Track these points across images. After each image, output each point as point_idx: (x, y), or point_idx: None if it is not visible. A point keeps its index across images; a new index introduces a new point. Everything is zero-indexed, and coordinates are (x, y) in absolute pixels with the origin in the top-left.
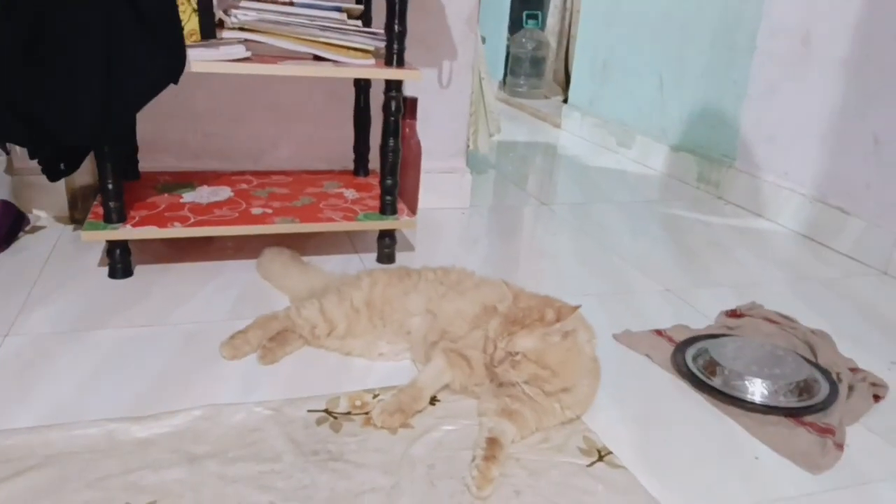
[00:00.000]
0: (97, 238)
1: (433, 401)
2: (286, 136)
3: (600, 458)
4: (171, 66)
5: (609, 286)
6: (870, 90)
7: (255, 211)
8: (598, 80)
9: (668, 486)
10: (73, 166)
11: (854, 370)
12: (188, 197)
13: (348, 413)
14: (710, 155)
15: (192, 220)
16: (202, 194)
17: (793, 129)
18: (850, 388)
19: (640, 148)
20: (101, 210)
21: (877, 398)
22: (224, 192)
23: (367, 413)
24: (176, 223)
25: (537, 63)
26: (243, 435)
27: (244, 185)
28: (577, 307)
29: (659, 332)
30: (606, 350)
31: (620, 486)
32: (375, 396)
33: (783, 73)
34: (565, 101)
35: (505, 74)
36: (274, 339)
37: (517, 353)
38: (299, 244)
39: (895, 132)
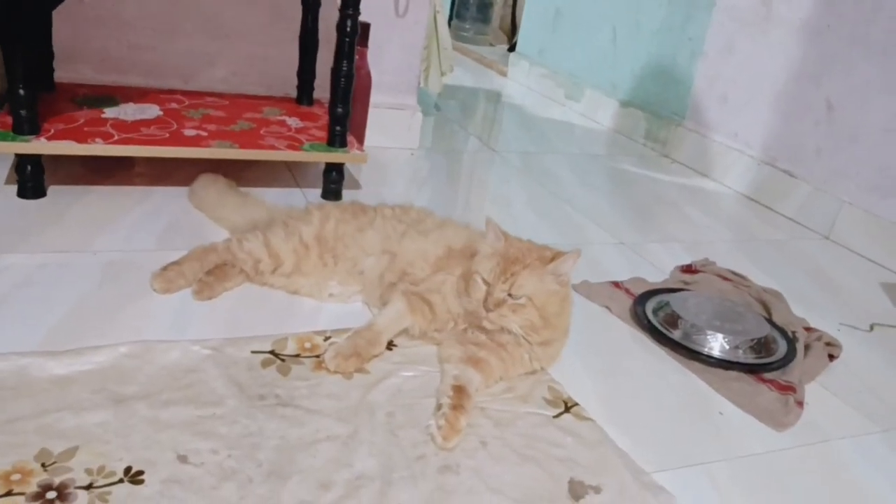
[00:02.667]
0: (5, 150)
1: (390, 345)
2: (223, 55)
3: (567, 410)
4: None
5: (564, 237)
6: (827, 55)
7: (188, 132)
8: (548, 29)
9: (635, 440)
10: None
11: (808, 329)
12: (111, 112)
13: (297, 355)
14: (660, 112)
15: (116, 137)
16: (127, 111)
17: (746, 90)
18: (807, 346)
19: (588, 101)
20: (9, 119)
21: (831, 357)
22: (152, 111)
23: (318, 356)
24: (97, 139)
25: (484, 7)
26: (178, 376)
27: (174, 105)
28: (578, 251)
29: (616, 284)
30: None
31: (589, 438)
32: (327, 339)
33: (741, 32)
34: (510, 49)
35: (451, 17)
36: (212, 272)
37: (521, 297)
38: (234, 174)
39: (849, 98)
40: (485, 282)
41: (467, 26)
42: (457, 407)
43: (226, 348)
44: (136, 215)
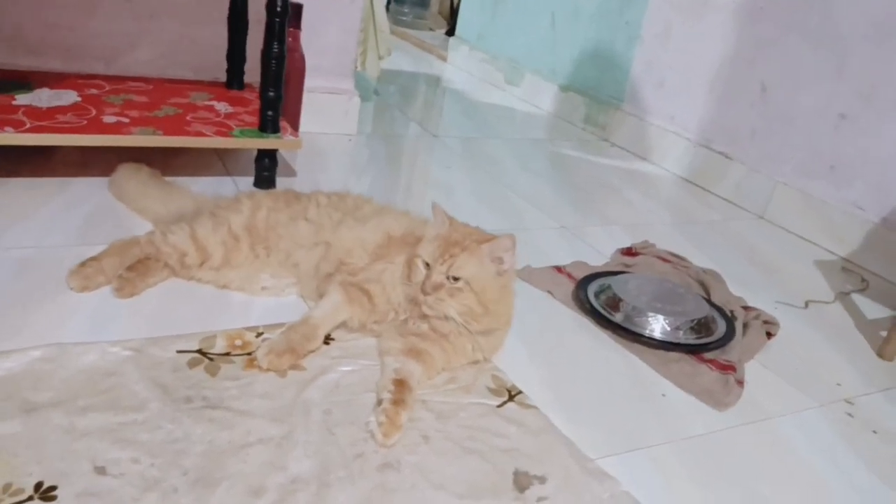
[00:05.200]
0: None
1: (327, 339)
2: (147, 36)
3: (510, 398)
4: None
5: (506, 222)
6: (761, 38)
7: (108, 119)
8: (488, 14)
9: (580, 426)
10: None
11: (746, 308)
12: (23, 98)
13: (227, 354)
14: (599, 96)
15: (29, 125)
16: (41, 97)
17: (683, 74)
18: (745, 325)
19: (528, 86)
20: None
21: (769, 335)
22: (69, 96)
23: (249, 354)
24: (7, 128)
25: None
26: (96, 380)
27: (94, 90)
28: (513, 235)
29: (559, 269)
30: None
31: (533, 426)
32: (259, 335)
33: (678, 17)
34: (449, 34)
35: (389, 1)
36: (133, 268)
37: (458, 280)
38: (160, 162)
39: (782, 81)
40: (426, 265)
41: (406, 10)
42: (397, 402)
43: (149, 349)
44: (52, 208)
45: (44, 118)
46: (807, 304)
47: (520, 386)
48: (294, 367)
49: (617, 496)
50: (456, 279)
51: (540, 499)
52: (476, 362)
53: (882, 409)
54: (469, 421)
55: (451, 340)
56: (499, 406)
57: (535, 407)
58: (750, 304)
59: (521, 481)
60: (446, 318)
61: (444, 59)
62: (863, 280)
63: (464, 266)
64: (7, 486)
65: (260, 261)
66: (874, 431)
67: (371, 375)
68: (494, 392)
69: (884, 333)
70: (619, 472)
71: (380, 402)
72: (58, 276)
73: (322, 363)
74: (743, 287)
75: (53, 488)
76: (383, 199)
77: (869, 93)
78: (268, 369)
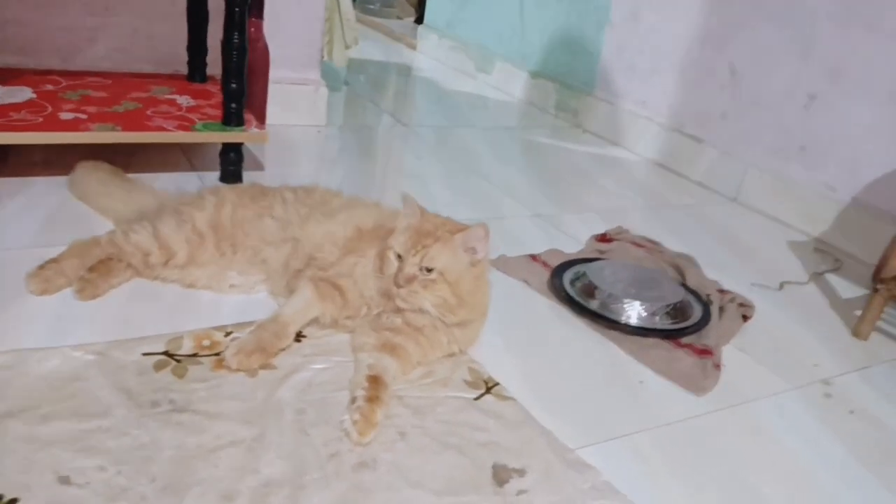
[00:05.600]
0: None
1: (299, 336)
2: (105, 30)
3: (488, 391)
4: None
5: (480, 211)
6: (729, 21)
7: (65, 116)
8: (456, 1)
9: (558, 416)
10: None
11: (721, 291)
12: None
13: (194, 355)
14: (570, 82)
15: None
16: None
17: (653, 58)
18: (721, 309)
19: (499, 73)
20: None
21: (745, 318)
22: (23, 93)
23: (218, 354)
24: None
25: None
26: (58, 386)
27: (49, 86)
28: (485, 224)
29: (534, 257)
30: None
31: (511, 419)
32: (228, 335)
33: (646, 0)
34: (417, 21)
35: None
36: (95, 268)
37: (432, 271)
38: (122, 159)
39: (752, 63)
40: (398, 257)
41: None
42: (372, 399)
43: (113, 352)
44: (9, 210)
45: None
46: (781, 286)
47: (497, 378)
48: (265, 366)
49: (597, 486)
50: (429, 270)
51: (520, 492)
52: (452, 355)
53: (858, 388)
54: (447, 415)
55: (427, 334)
56: (476, 399)
57: (512, 399)
58: (725, 287)
59: (501, 475)
60: (421, 310)
61: (413, 47)
62: (836, 260)
63: (437, 257)
64: None
65: (226, 258)
66: (851, 411)
67: (345, 372)
68: (471, 385)
69: (858, 312)
70: (599, 462)
71: (354, 400)
72: (16, 279)
73: (294, 361)
74: (718, 270)
75: (15, 501)
76: (355, 190)
77: (836, 72)
78: (237, 370)
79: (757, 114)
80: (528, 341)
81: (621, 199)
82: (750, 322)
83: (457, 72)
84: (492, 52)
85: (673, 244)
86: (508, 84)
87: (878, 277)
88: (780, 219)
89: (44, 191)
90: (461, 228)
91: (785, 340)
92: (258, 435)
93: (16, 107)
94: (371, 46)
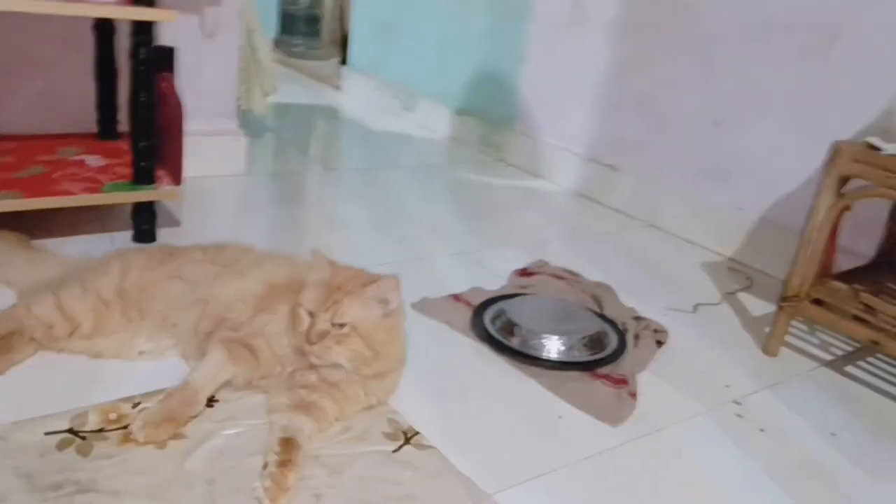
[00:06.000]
0: None
1: (211, 401)
2: (10, 93)
3: (406, 441)
4: None
5: (403, 253)
6: (638, 52)
7: None
8: (379, 41)
9: (477, 461)
10: None
11: (637, 318)
12: None
13: (100, 430)
14: (492, 118)
15: None
16: None
17: (568, 91)
18: (636, 336)
19: (423, 111)
20: None
21: (659, 343)
22: None
23: (125, 427)
24: None
25: (312, 21)
26: None
27: None
28: (396, 277)
29: (456, 297)
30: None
31: (430, 468)
32: (136, 405)
33: (558, 36)
34: (342, 62)
35: (280, 32)
36: None
37: (344, 326)
38: (29, 225)
39: (661, 92)
40: (309, 314)
41: (297, 41)
42: (285, 463)
43: (13, 434)
44: None
45: None
46: (695, 308)
47: (417, 426)
48: (174, 436)
49: None
50: (342, 325)
51: None
52: (371, 407)
53: (769, 405)
54: (364, 471)
55: (342, 388)
56: (394, 451)
57: (432, 447)
58: (641, 313)
59: None
60: (335, 365)
61: (338, 87)
62: (747, 278)
63: (348, 311)
64: None
65: (134, 325)
66: (761, 430)
67: (259, 436)
68: (390, 437)
69: (768, 329)
70: None
71: (266, 466)
72: None
73: (205, 428)
74: (635, 296)
75: None
76: (276, 240)
77: (738, 95)
78: (145, 442)
79: (668, 140)
80: (450, 385)
81: (543, 231)
82: (665, 347)
83: (382, 111)
84: (415, 91)
85: (593, 273)
86: (433, 121)
87: (783, 295)
88: (694, 241)
89: None
90: (373, 279)
91: (699, 363)
92: None
93: None
94: (295, 89)
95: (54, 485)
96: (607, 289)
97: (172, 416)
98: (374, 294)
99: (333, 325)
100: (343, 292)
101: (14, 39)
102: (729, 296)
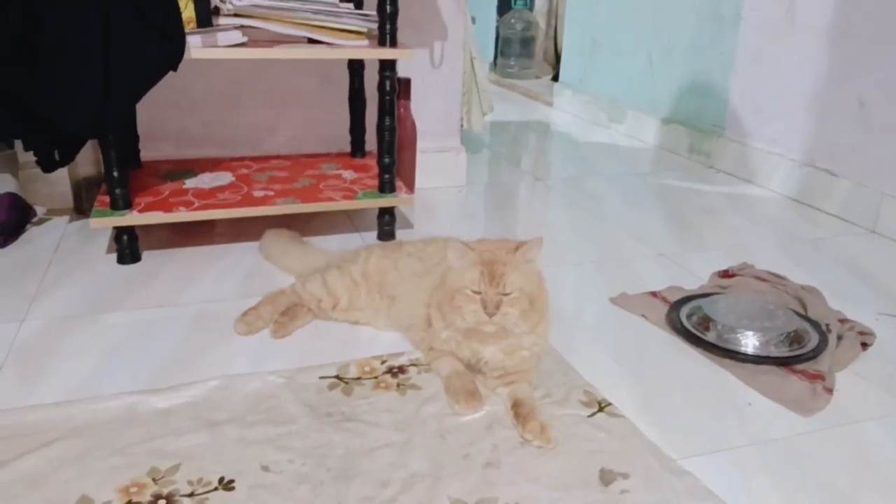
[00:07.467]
0: (105, 225)
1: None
2: (283, 122)
3: (600, 409)
4: (171, 53)
5: (604, 253)
6: (852, 55)
7: (257, 194)
8: (587, 57)
9: (665, 432)
10: (67, 157)
11: (843, 321)
12: (190, 183)
13: (358, 378)
14: (700, 126)
15: (197, 204)
16: (204, 180)
17: (779, 97)
18: (839, 337)
19: (631, 122)
20: (107, 198)
21: (864, 346)
22: (225, 178)
23: (376, 378)
24: (181, 208)
25: (527, 43)
26: (259, 402)
27: (244, 171)
28: (540, 239)
29: (654, 294)
30: (603, 313)
31: (620, 432)
32: (383, 363)
33: (768, 42)
34: (555, 79)
35: (495, 56)
36: (285, 313)
37: (513, 291)
38: (301, 225)
39: (878, 95)
40: (475, 292)
41: (511, 63)
42: (527, 416)
43: (297, 376)
44: (218, 270)
45: (207, 197)
46: None
47: (611, 399)
48: (412, 386)
49: (693, 489)
50: (510, 292)
51: (623, 491)
52: (539, 352)
53: None
54: (562, 429)
55: (519, 349)
56: (589, 416)
57: (623, 416)
58: (850, 317)
59: (606, 477)
60: (506, 329)
61: (550, 104)
62: None
63: (514, 279)
64: (200, 480)
65: (376, 303)
66: None
67: None
68: (586, 404)
69: None
70: (699, 472)
71: (519, 417)
72: (226, 324)
73: (437, 384)
74: (845, 301)
75: (232, 481)
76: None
77: None
78: (466, 412)
79: (889, 143)
80: (642, 368)
81: (750, 237)
82: (870, 349)
83: (591, 124)
84: (623, 103)
85: (801, 277)
86: (640, 131)
87: None
88: None
89: (241, 254)
90: (519, 244)
91: None
92: (406, 439)
93: (221, 189)
94: (510, 107)
95: (327, 413)
96: (814, 291)
97: (471, 389)
98: (526, 256)
99: (504, 294)
100: (502, 264)
101: (285, 78)
102: None
